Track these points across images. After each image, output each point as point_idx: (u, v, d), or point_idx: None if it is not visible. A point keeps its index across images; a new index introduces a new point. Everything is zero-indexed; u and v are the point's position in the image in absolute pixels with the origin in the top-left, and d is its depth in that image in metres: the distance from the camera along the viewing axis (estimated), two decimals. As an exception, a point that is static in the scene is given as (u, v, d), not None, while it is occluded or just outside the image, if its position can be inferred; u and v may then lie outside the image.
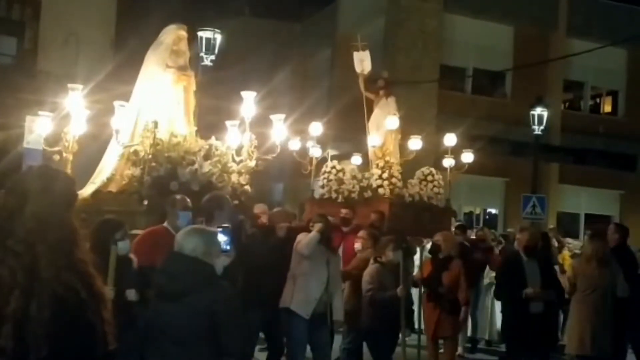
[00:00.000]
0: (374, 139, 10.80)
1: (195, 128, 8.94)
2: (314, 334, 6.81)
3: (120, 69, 11.06)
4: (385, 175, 10.49)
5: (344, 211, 9.22)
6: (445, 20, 20.17)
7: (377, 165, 10.69)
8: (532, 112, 17.24)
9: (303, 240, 6.88)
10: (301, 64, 24.32)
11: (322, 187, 10.92)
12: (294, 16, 25.23)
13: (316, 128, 10.93)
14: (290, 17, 25.22)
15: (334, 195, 10.73)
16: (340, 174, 10.96)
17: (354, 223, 9.13)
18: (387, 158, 10.71)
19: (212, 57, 11.12)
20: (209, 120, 9.52)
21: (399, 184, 10.59)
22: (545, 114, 17.28)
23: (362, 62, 11.59)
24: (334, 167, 11.04)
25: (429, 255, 8.07)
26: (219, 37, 11.84)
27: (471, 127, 16.17)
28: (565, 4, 21.62)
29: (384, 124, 10.98)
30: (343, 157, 12.70)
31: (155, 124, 7.70)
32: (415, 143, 10.83)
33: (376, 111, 11.23)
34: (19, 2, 14.85)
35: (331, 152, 12.21)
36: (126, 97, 8.40)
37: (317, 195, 11.19)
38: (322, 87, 23.00)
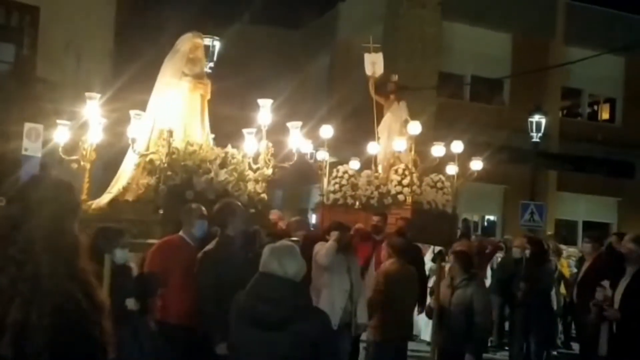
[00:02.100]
0: (398, 144, 10.45)
1: (213, 136, 8.94)
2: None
3: (131, 78, 11.04)
4: (405, 181, 10.30)
5: (375, 219, 8.88)
6: (443, 28, 20.22)
7: (396, 171, 10.49)
8: (530, 120, 17.30)
9: (321, 251, 6.79)
10: (300, 70, 24.34)
11: (334, 192, 10.65)
12: (293, 23, 25.28)
13: (327, 131, 10.59)
14: (290, 24, 25.26)
15: (349, 201, 10.44)
16: (353, 179, 10.68)
17: (386, 231, 8.80)
18: (409, 164, 10.47)
19: (212, 64, 11.16)
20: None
21: (418, 190, 10.41)
22: (543, 121, 17.34)
23: (374, 64, 11.31)
24: (345, 171, 10.75)
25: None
26: (217, 44, 11.89)
27: (470, 135, 16.17)
28: (563, 12, 21.70)
29: (395, 128, 10.80)
30: (344, 162, 12.61)
31: (170, 132, 7.68)
32: (438, 150, 10.66)
33: (388, 115, 11.01)
34: (17, 9, 14.85)
35: (331, 158, 12.14)
36: (141, 105, 8.39)
37: (326, 201, 10.86)
38: (322, 94, 23.03)
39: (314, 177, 11.45)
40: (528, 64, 20.01)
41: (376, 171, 11.10)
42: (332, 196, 10.69)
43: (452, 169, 10.83)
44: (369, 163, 11.20)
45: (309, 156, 12.08)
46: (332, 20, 23.22)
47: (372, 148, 11.02)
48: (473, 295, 6.40)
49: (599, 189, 21.86)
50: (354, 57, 21.73)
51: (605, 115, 23.92)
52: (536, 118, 17.27)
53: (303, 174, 11.24)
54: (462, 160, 11.36)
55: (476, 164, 11.12)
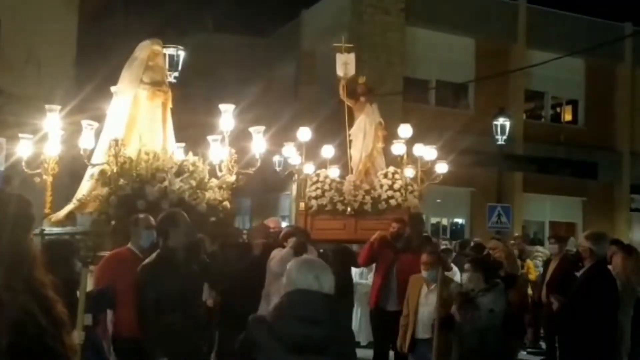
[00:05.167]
0: (397, 148, 10.11)
1: (183, 144, 8.81)
2: None
3: (94, 88, 10.87)
4: (396, 185, 10.05)
5: (395, 225, 8.38)
6: (407, 34, 20.39)
7: (386, 175, 10.27)
8: (494, 123, 17.49)
9: (276, 256, 6.75)
10: (266, 78, 24.36)
11: (316, 198, 10.25)
12: (258, 31, 25.29)
13: (305, 134, 10.18)
14: (255, 32, 25.27)
15: (339, 207, 10.07)
16: (334, 184, 10.27)
17: (404, 238, 8.35)
18: (397, 169, 10.10)
19: (176, 73, 11.06)
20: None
21: (407, 195, 10.17)
22: (507, 124, 17.54)
23: (346, 65, 10.87)
24: (326, 176, 10.38)
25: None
26: (182, 54, 11.77)
27: (435, 139, 16.29)
28: (524, 16, 22.04)
29: (370, 131, 10.55)
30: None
31: (116, 142, 7.55)
32: (430, 152, 10.49)
33: (361, 118, 10.63)
34: (-23, 21, 14.60)
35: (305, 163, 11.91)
36: (103, 115, 8.30)
37: (305, 208, 10.40)
38: (288, 101, 23.04)
39: (281, 185, 11.27)
40: (491, 67, 20.28)
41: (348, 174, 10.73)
42: (314, 202, 10.32)
43: (410, 172, 10.51)
44: (322, 167, 10.82)
45: (276, 164, 12.00)
46: (297, 27, 23.27)
47: (327, 152, 10.72)
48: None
49: (563, 189, 22.21)
50: (318, 64, 21.84)
51: (567, 116, 24.30)
52: (500, 121, 17.47)
53: (271, 182, 11.10)
54: (429, 164, 11.28)
55: (441, 167, 10.97)
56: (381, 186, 10.15)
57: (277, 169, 11.80)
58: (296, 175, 10.88)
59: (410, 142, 10.77)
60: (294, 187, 11.03)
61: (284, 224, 11.79)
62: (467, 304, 5.88)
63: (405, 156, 10.11)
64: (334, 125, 12.01)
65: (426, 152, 10.45)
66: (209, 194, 7.88)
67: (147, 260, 5.31)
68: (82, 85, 12.44)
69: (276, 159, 11.89)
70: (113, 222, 7.16)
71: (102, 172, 7.56)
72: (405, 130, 10.22)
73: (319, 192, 10.24)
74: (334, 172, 10.48)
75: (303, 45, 22.58)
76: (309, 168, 10.60)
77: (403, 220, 8.67)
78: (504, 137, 17.53)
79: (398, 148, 10.15)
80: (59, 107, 8.15)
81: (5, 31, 13.98)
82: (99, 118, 8.21)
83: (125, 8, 20.06)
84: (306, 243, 7.11)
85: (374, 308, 8.25)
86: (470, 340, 5.83)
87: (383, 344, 8.23)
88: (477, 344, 5.78)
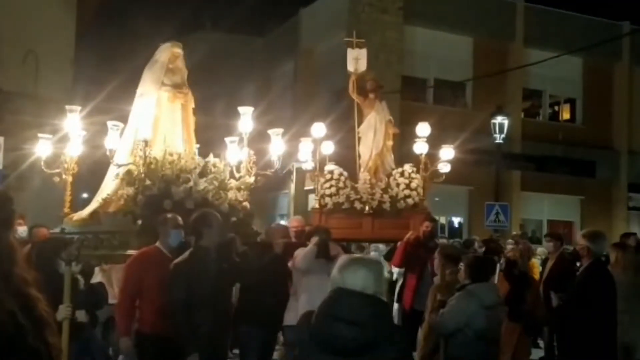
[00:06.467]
0: (419, 147, 9.97)
1: (198, 145, 8.85)
2: None
3: (95, 88, 10.88)
4: (413, 184, 9.85)
5: (427, 224, 8.39)
6: (405, 33, 20.40)
7: (402, 173, 10.14)
8: (492, 121, 17.51)
9: (299, 255, 6.80)
10: (265, 76, 24.35)
11: (330, 196, 9.95)
12: (256, 30, 25.29)
13: (319, 129, 9.96)
14: (253, 31, 25.27)
15: (357, 205, 9.82)
16: (349, 182, 10.03)
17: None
18: (412, 167, 9.96)
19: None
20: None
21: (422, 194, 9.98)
22: (505, 122, 17.56)
23: (357, 60, 10.59)
24: (340, 174, 10.11)
25: None
26: (178, 52, 11.77)
27: (433, 137, 16.29)
28: (522, 15, 22.06)
29: (381, 128, 10.42)
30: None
31: (145, 142, 7.61)
32: (446, 153, 10.43)
33: (372, 115, 10.42)
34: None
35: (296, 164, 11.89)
36: (106, 113, 8.36)
37: (319, 206, 10.09)
38: (286, 100, 23.04)
39: (280, 184, 11.24)
40: (489, 66, 20.29)
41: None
42: (329, 200, 9.87)
43: (408, 169, 10.35)
44: (322, 163, 10.69)
45: (274, 163, 11.94)
46: (295, 26, 23.24)
47: (326, 148, 10.60)
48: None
49: (561, 188, 22.22)
50: (317, 63, 21.84)
51: (565, 115, 24.32)
52: (499, 119, 17.49)
53: (269, 181, 11.03)
54: (429, 162, 11.20)
55: (444, 166, 10.83)
56: (397, 185, 10.02)
57: (276, 167, 11.77)
58: (293, 173, 10.81)
59: (409, 141, 10.70)
60: (292, 185, 10.94)
61: (282, 223, 11.75)
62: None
63: (423, 155, 10.02)
64: (331, 124, 12.01)
65: (444, 152, 10.39)
66: (230, 195, 7.99)
67: (179, 259, 5.42)
68: (80, 83, 12.44)
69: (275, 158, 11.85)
70: (139, 222, 7.26)
71: (129, 172, 7.62)
72: (423, 128, 10.11)
73: (333, 189, 10.07)
74: (330, 168, 10.39)
75: (301, 44, 22.57)
76: (309, 165, 10.49)
77: (434, 219, 8.64)
78: (502, 136, 17.56)
79: (420, 147, 10.02)
80: (79, 108, 8.23)
81: (2, 29, 13.97)
82: (105, 118, 8.25)
83: (122, 7, 20.05)
84: (328, 241, 7.12)
85: (410, 310, 8.18)
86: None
87: (412, 346, 8.25)
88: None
